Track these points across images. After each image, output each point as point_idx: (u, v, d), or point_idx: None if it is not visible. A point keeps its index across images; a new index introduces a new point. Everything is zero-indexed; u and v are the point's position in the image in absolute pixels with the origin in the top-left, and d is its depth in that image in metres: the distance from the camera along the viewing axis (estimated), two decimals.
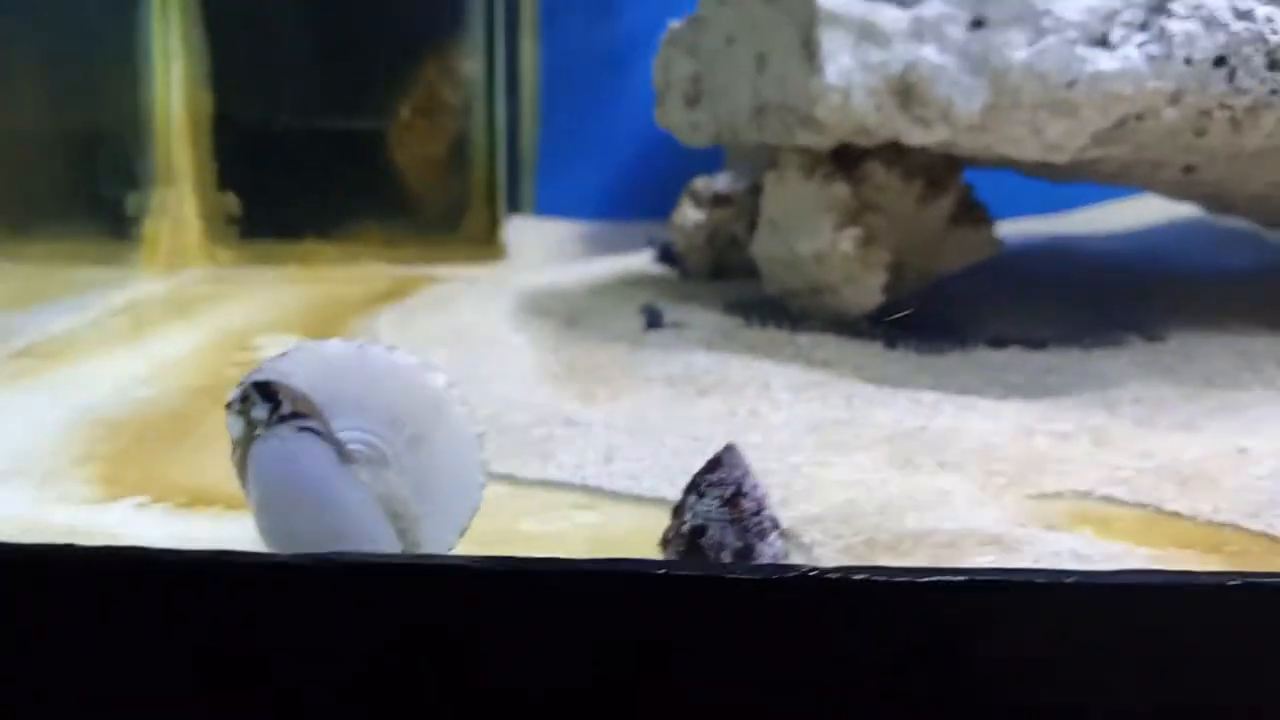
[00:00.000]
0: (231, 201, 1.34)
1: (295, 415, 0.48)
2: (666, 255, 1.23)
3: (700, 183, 1.21)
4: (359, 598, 0.45)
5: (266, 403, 0.48)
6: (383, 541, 0.49)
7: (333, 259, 1.36)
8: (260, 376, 0.49)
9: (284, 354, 0.50)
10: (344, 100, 1.35)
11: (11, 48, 1.10)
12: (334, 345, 0.50)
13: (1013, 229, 1.39)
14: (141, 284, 1.21)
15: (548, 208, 1.54)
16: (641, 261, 1.27)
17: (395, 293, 1.20)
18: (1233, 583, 0.46)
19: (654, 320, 0.95)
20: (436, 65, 1.35)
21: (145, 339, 0.99)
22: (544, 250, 1.43)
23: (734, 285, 1.11)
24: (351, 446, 0.49)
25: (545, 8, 1.51)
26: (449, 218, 1.38)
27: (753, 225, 1.03)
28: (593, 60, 1.51)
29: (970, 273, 1.01)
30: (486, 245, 1.38)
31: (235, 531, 0.58)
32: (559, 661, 0.45)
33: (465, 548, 0.53)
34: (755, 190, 1.12)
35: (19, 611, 0.46)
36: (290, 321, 1.07)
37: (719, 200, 1.17)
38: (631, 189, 1.52)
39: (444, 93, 1.35)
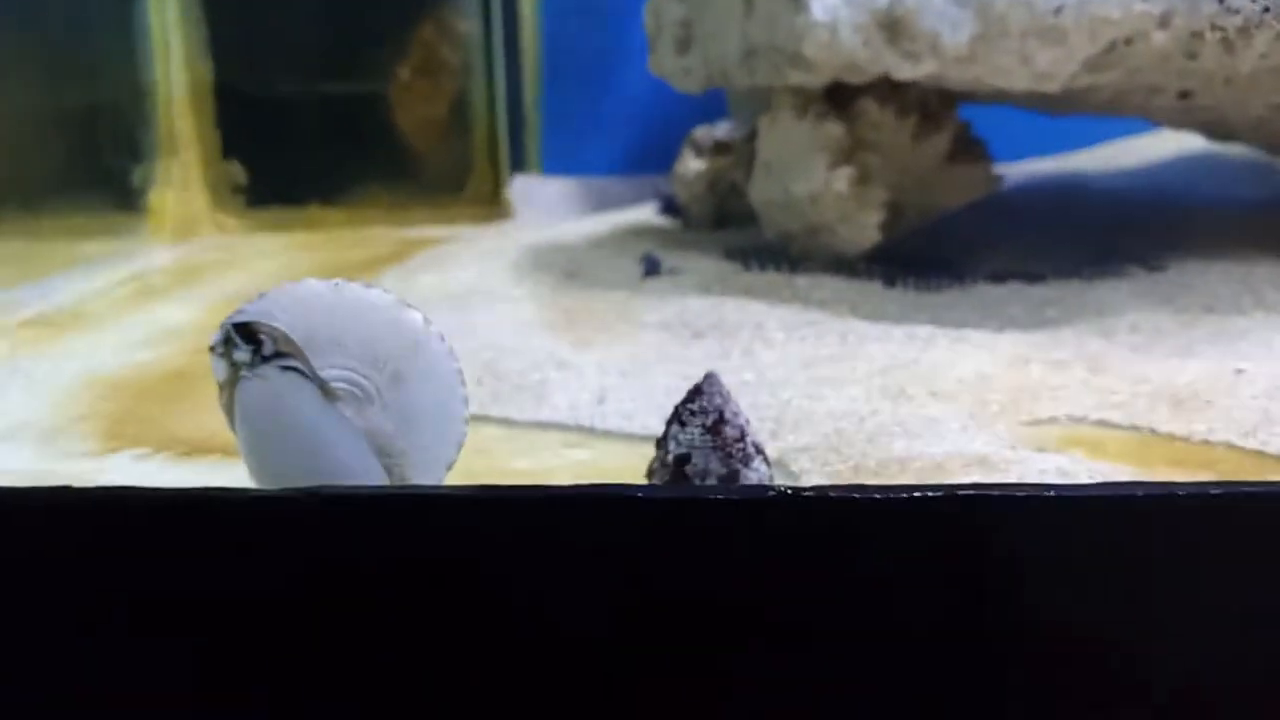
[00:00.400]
0: (236, 170, 1.35)
1: (278, 355, 0.49)
2: (669, 206, 1.23)
3: (701, 131, 1.21)
4: (349, 530, 0.46)
5: (248, 344, 0.49)
6: (372, 477, 0.50)
7: (338, 224, 1.36)
8: (241, 318, 0.49)
9: (262, 295, 0.50)
10: (344, 64, 1.35)
11: (12, 25, 1.10)
12: (311, 284, 0.50)
13: (1017, 169, 1.38)
14: (149, 254, 1.23)
15: (553, 166, 1.54)
16: (645, 214, 1.27)
17: (398, 255, 1.21)
18: (1214, 491, 0.46)
19: (652, 268, 0.95)
20: (434, 25, 1.35)
21: (150, 306, 1.00)
22: (550, 208, 1.43)
23: (736, 233, 1.11)
24: (334, 384, 0.50)
25: None
26: (453, 179, 1.38)
27: (751, 171, 1.03)
28: (592, 15, 1.50)
29: (970, 210, 1.01)
30: (492, 205, 1.38)
31: (233, 477, 0.58)
32: (548, 588, 0.46)
33: (456, 482, 0.53)
34: (754, 136, 1.11)
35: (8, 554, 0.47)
36: None
37: (719, 148, 1.17)
38: (636, 142, 1.52)
39: (443, 53, 1.35)
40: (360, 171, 1.37)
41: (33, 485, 0.47)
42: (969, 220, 1.02)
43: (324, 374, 0.49)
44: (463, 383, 0.53)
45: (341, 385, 0.50)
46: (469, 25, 1.34)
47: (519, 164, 1.50)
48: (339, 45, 1.35)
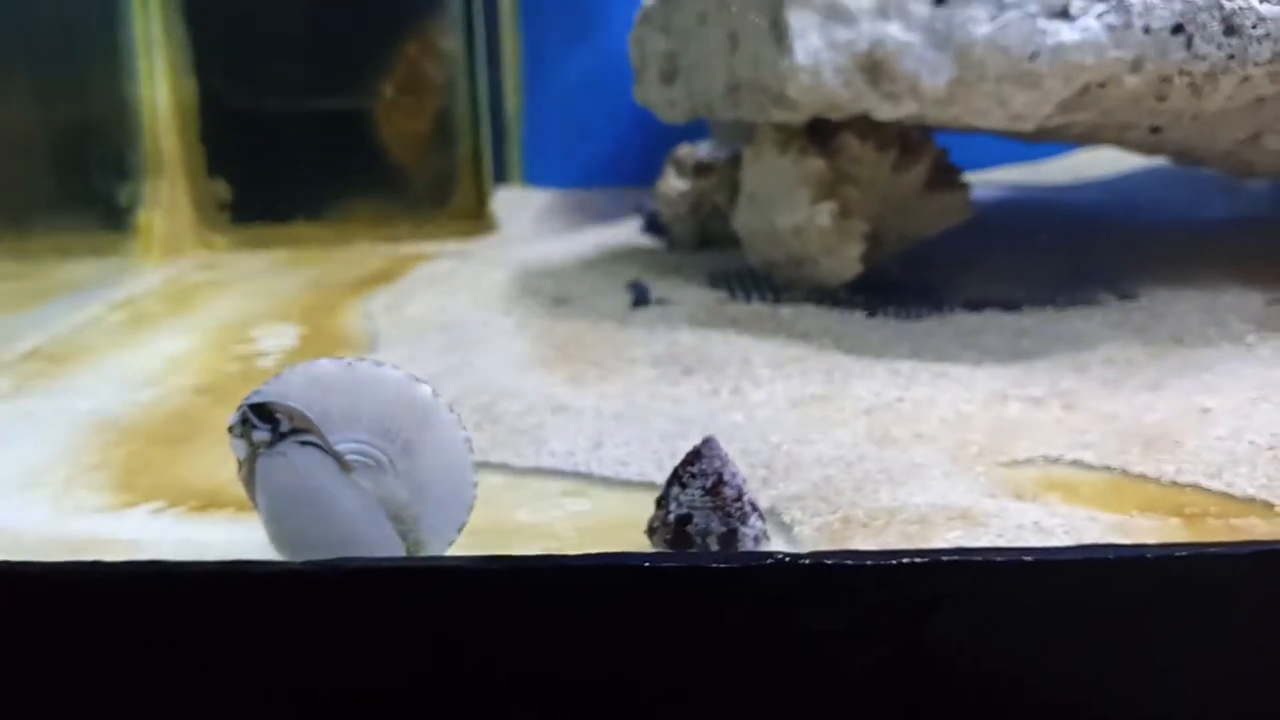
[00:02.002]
0: (222, 187, 1.36)
1: (294, 431, 0.51)
2: (652, 225, 1.26)
3: (683, 150, 1.23)
4: (368, 600, 0.48)
5: (265, 423, 0.51)
6: (386, 543, 0.52)
7: (325, 240, 1.38)
8: (257, 399, 0.51)
9: (278, 375, 0.52)
10: (328, 81, 1.36)
11: (3, 46, 1.11)
12: (324, 364, 0.53)
13: (987, 179, 1.41)
14: (138, 276, 1.24)
15: (534, 177, 1.56)
16: (629, 231, 1.29)
17: (387, 273, 1.23)
18: (1180, 553, 0.49)
19: (641, 298, 0.97)
20: (418, 42, 1.36)
21: (145, 336, 1.02)
22: (533, 220, 1.45)
23: (719, 255, 1.13)
24: (349, 457, 0.52)
25: None
26: (438, 193, 1.40)
27: (734, 195, 1.05)
28: (573, 29, 1.52)
29: (947, 233, 1.04)
30: (476, 219, 1.40)
31: (247, 534, 0.61)
32: (556, 653, 0.49)
33: (464, 540, 0.56)
34: (736, 160, 1.14)
35: (45, 627, 0.49)
36: (285, 309, 1.10)
37: (701, 169, 1.19)
38: (616, 155, 1.54)
39: (426, 69, 1.37)
40: (345, 187, 1.39)
41: (69, 560, 0.50)
42: (945, 242, 1.05)
43: (339, 447, 0.52)
44: (471, 450, 0.55)
45: (356, 457, 0.52)
46: (452, 42, 1.36)
47: (501, 176, 1.52)
48: (323, 62, 1.36)
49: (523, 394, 0.77)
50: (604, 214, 1.43)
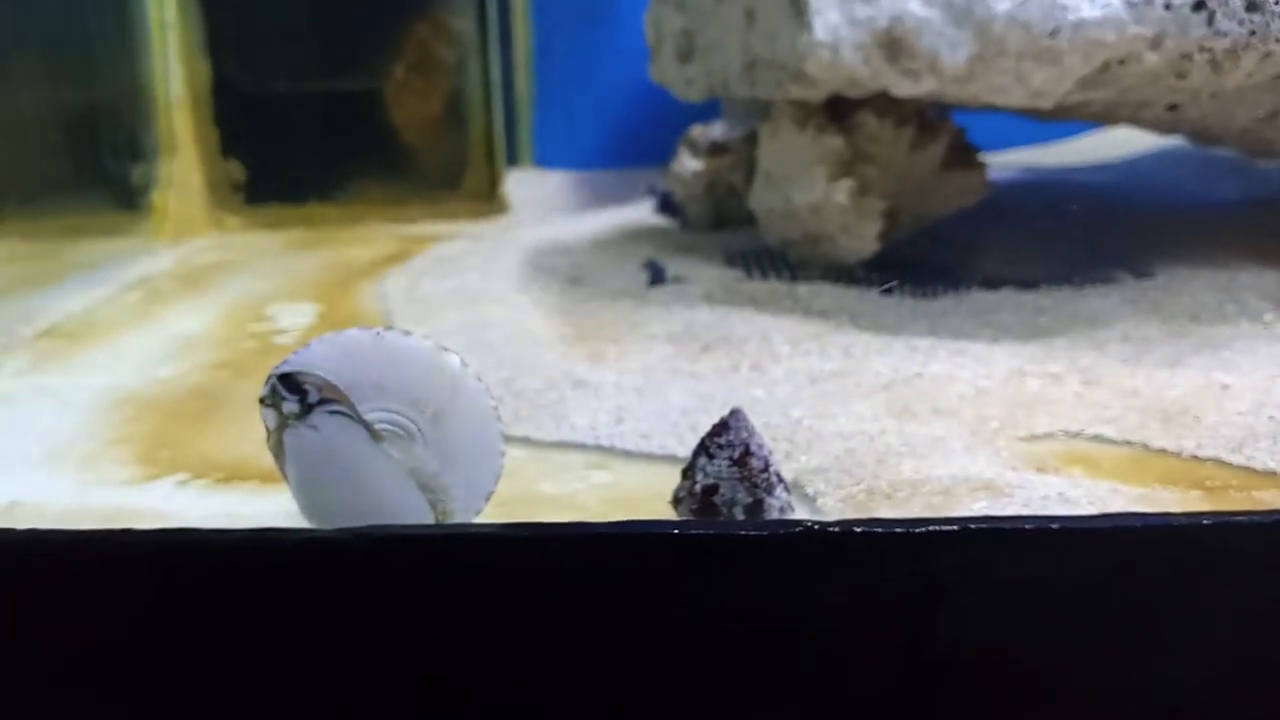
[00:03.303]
0: (235, 168, 1.36)
1: (323, 401, 0.51)
2: (666, 205, 1.26)
3: (697, 131, 1.23)
4: (399, 568, 0.49)
5: (294, 394, 0.51)
6: (416, 511, 0.53)
7: (337, 221, 1.38)
8: (286, 369, 0.52)
9: (307, 345, 0.53)
10: (340, 62, 1.36)
11: (11, 26, 1.11)
12: (353, 334, 0.53)
13: (1004, 161, 1.41)
14: (152, 255, 1.24)
15: (546, 159, 1.56)
16: (642, 212, 1.29)
17: (400, 254, 1.23)
18: (1206, 521, 0.49)
19: (657, 276, 0.97)
20: (429, 23, 1.36)
21: (161, 314, 1.02)
22: (545, 202, 1.45)
23: (734, 234, 1.13)
24: (379, 426, 0.52)
25: None
26: (450, 174, 1.40)
27: (750, 174, 1.05)
28: (584, 9, 1.52)
29: (963, 212, 1.04)
30: (488, 200, 1.40)
31: (272, 505, 0.61)
32: (583, 620, 0.49)
33: (491, 510, 0.56)
34: (752, 139, 1.14)
35: (76, 595, 0.49)
36: (300, 289, 1.10)
37: (716, 149, 1.19)
38: (628, 136, 1.54)
39: (438, 50, 1.36)
40: (358, 168, 1.39)
41: (100, 527, 0.50)
42: (962, 222, 1.05)
43: (369, 416, 0.52)
44: (498, 418, 0.55)
45: (386, 427, 0.53)
46: (464, 22, 1.35)
47: (512, 157, 1.51)
48: (336, 43, 1.36)
49: (542, 370, 0.78)
50: (616, 195, 1.43)
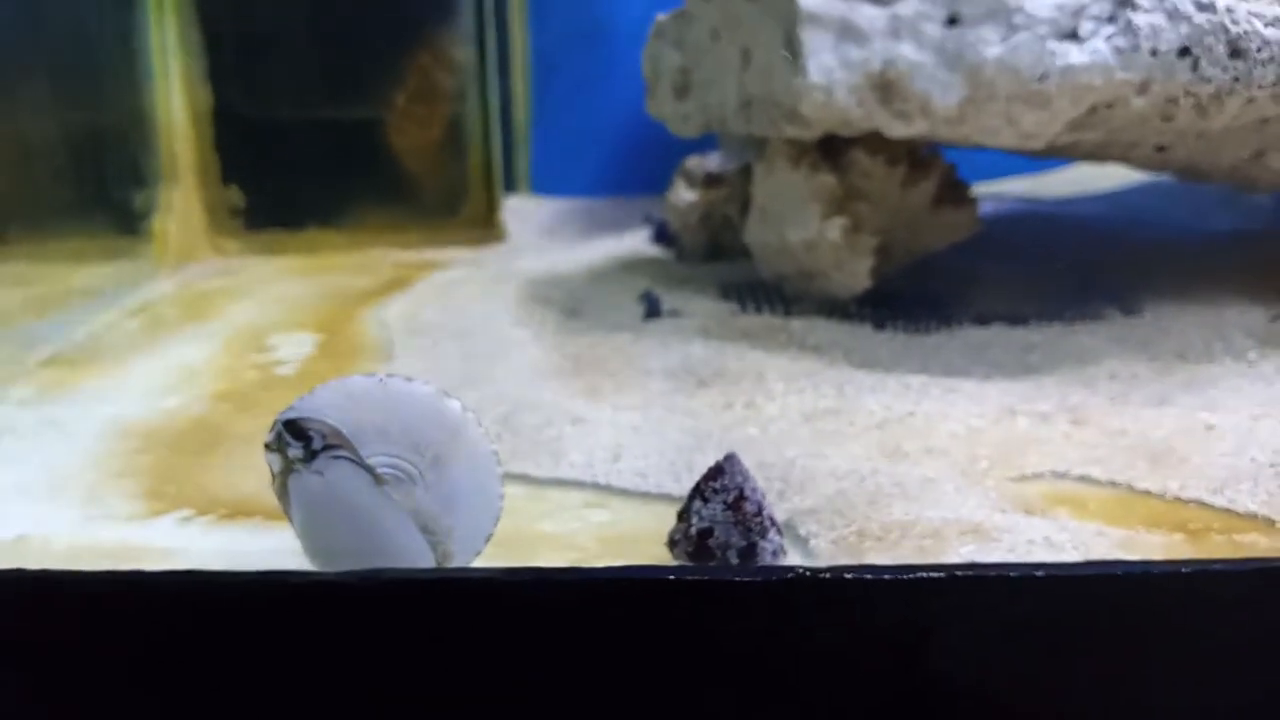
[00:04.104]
0: (235, 194, 1.38)
1: (328, 447, 0.53)
2: (662, 235, 1.27)
3: (693, 162, 1.25)
4: (402, 609, 0.50)
5: (299, 440, 0.53)
6: (418, 554, 0.54)
7: (336, 246, 1.40)
8: (291, 415, 0.53)
9: (312, 392, 0.54)
10: (341, 90, 1.38)
11: (17, 54, 1.12)
12: (357, 380, 0.54)
13: (996, 191, 1.43)
14: (153, 281, 1.25)
15: (542, 186, 1.57)
16: (638, 241, 1.31)
17: (400, 281, 1.25)
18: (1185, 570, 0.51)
19: (653, 309, 0.99)
20: (430, 52, 1.38)
21: (164, 342, 1.03)
22: (541, 229, 1.47)
23: (729, 265, 1.15)
24: (381, 470, 0.54)
25: None
26: (448, 202, 1.42)
27: (745, 207, 1.07)
28: (581, 40, 1.53)
29: (955, 247, 1.05)
30: (486, 227, 1.41)
31: (276, 542, 0.62)
32: (581, 661, 0.50)
33: (491, 550, 0.57)
34: (746, 171, 1.15)
35: (80, 636, 0.50)
36: (300, 317, 1.11)
37: (711, 181, 1.21)
38: (624, 164, 1.56)
39: (438, 79, 1.38)
40: (357, 195, 1.40)
41: (111, 569, 0.51)
42: (954, 256, 1.06)
43: (371, 460, 0.53)
44: (498, 462, 0.57)
45: (388, 470, 0.54)
46: (464, 52, 1.37)
47: (510, 184, 1.53)
48: (337, 71, 1.37)
49: (541, 405, 0.79)
50: (612, 223, 1.45)
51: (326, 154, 1.39)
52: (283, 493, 0.54)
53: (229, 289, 1.24)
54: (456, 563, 0.56)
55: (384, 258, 1.36)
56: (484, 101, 1.39)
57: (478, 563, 0.57)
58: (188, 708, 0.50)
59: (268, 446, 0.53)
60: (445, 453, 0.55)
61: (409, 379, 0.55)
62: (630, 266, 1.19)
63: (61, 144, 1.26)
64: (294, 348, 1.01)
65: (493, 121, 1.40)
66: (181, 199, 1.34)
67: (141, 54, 1.30)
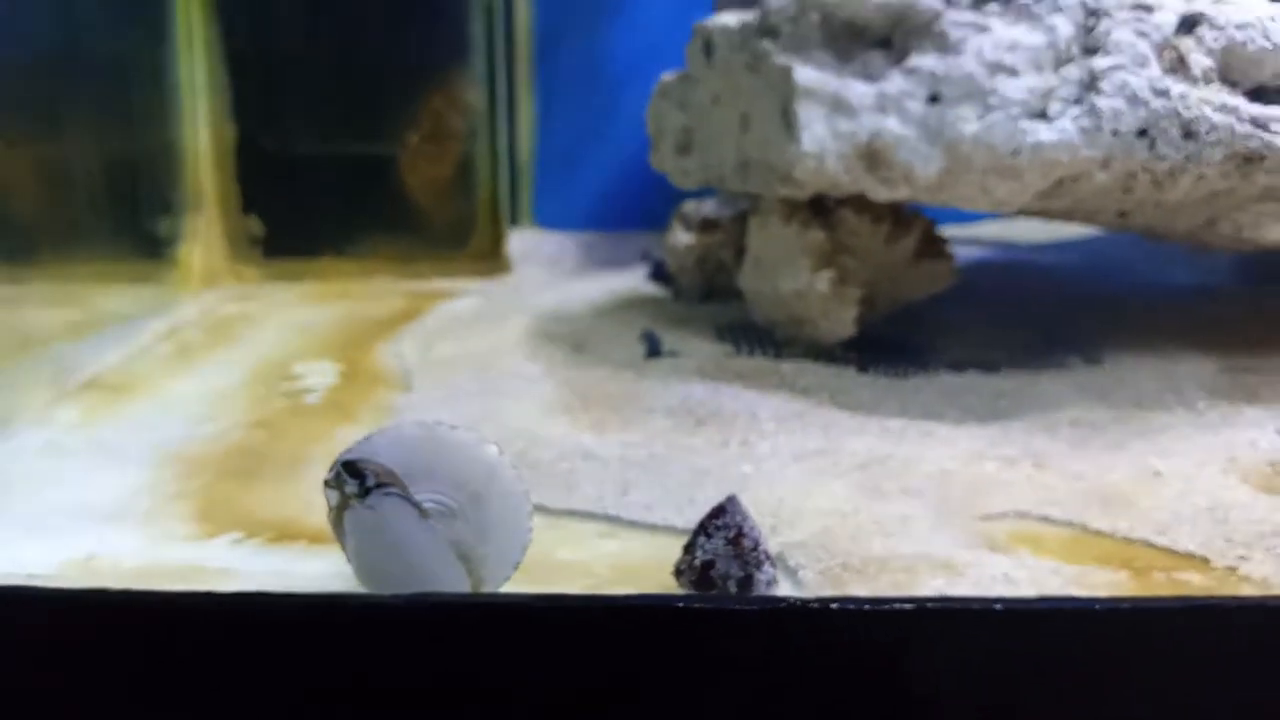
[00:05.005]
0: (254, 223, 1.45)
1: (380, 485, 0.60)
2: (659, 274, 1.35)
3: (689, 206, 1.33)
4: (443, 628, 0.57)
5: (355, 478, 0.60)
6: (455, 579, 0.62)
7: (349, 275, 1.47)
8: (350, 456, 0.61)
9: (369, 436, 0.62)
10: (359, 128, 1.46)
11: (59, 86, 1.19)
12: (409, 427, 0.62)
13: (974, 234, 1.52)
14: (178, 306, 1.32)
15: (545, 220, 1.65)
16: (636, 279, 1.39)
17: (411, 311, 1.32)
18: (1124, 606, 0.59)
19: (654, 349, 1.07)
20: (443, 94, 1.46)
21: (195, 368, 1.10)
22: (544, 261, 1.55)
23: (723, 307, 1.23)
24: (427, 505, 0.61)
25: (540, 35, 1.62)
26: (457, 235, 1.49)
27: (739, 252, 1.15)
28: (584, 83, 1.62)
29: (933, 296, 1.14)
30: (492, 259, 1.49)
31: (323, 565, 0.70)
32: (599, 678, 0.58)
33: (516, 575, 0.65)
34: (741, 218, 1.24)
35: (158, 653, 0.57)
36: (321, 346, 1.18)
37: (707, 225, 1.29)
38: (623, 201, 1.64)
39: (450, 120, 1.46)
40: (370, 227, 1.48)
41: (183, 590, 0.58)
42: (931, 305, 1.15)
43: (418, 497, 0.61)
44: (529, 500, 0.64)
45: (432, 505, 0.62)
46: (475, 94, 1.45)
47: (514, 218, 1.61)
48: (355, 111, 1.45)
49: (554, 442, 0.87)
50: (611, 258, 1.53)
51: (342, 187, 1.47)
52: (338, 523, 0.62)
53: (250, 315, 1.31)
54: (488, 587, 0.63)
55: (395, 286, 1.44)
56: (493, 141, 1.47)
57: (506, 588, 0.64)
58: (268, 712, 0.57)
59: (327, 483, 0.61)
60: (482, 490, 0.63)
61: (453, 426, 0.63)
62: (630, 304, 1.27)
63: (95, 171, 1.33)
64: (318, 377, 1.08)
65: (501, 161, 1.48)
66: (205, 227, 1.42)
67: (171, 89, 1.38)
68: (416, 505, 0.61)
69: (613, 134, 1.61)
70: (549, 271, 1.50)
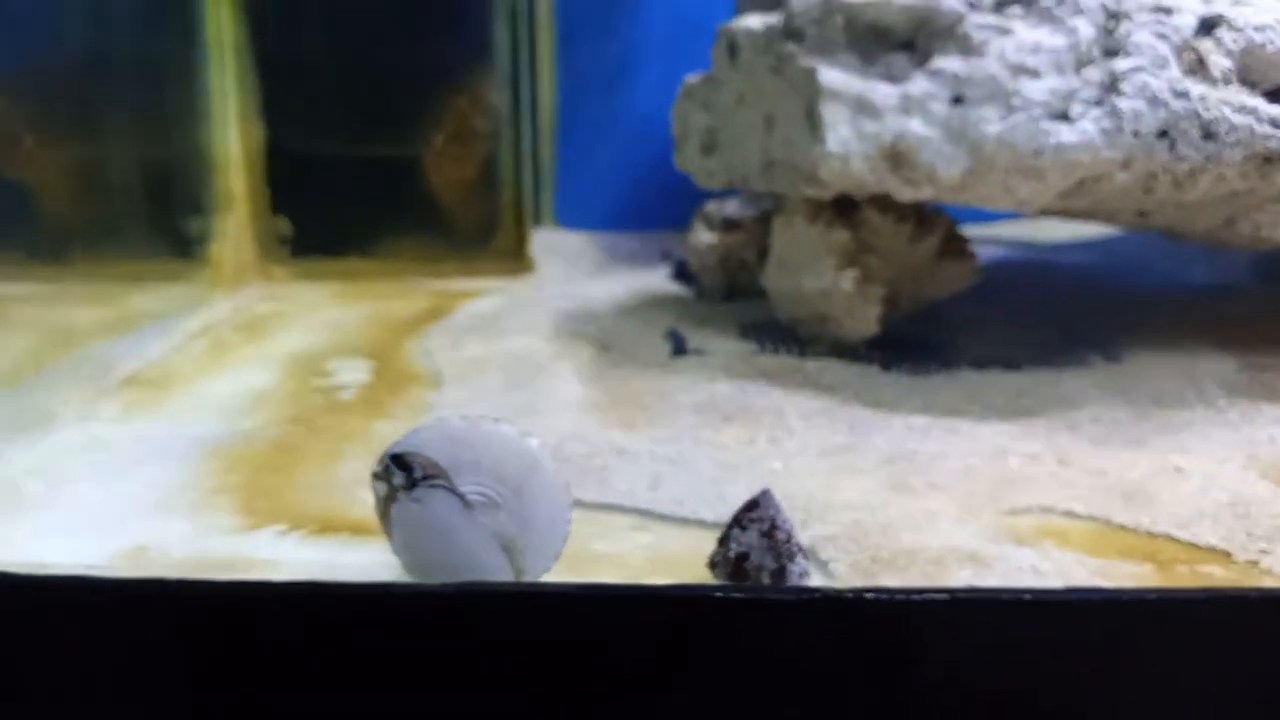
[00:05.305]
0: (283, 224, 1.48)
1: (427, 477, 0.62)
2: (682, 273, 1.37)
3: (712, 206, 1.34)
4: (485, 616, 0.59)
5: (403, 471, 0.62)
6: (499, 569, 0.64)
7: (375, 274, 1.49)
8: (398, 449, 0.63)
9: (416, 430, 0.64)
10: (385, 130, 1.48)
11: (95, 88, 1.22)
12: (454, 422, 0.64)
13: (996, 234, 1.53)
14: (209, 304, 1.35)
15: (566, 220, 1.68)
16: (659, 278, 1.41)
17: (438, 310, 1.34)
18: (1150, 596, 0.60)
19: (679, 347, 1.09)
20: (467, 96, 1.48)
21: (230, 365, 1.12)
22: (566, 261, 1.57)
23: (746, 306, 1.25)
24: (472, 497, 0.63)
25: (561, 35, 1.64)
26: (481, 235, 1.51)
27: (761, 252, 1.17)
28: (604, 84, 1.64)
29: (955, 294, 1.15)
30: (516, 259, 1.51)
31: (366, 556, 0.72)
32: (636, 664, 0.60)
33: (556, 566, 0.67)
34: (764, 218, 1.25)
35: (219, 641, 0.60)
36: (351, 343, 1.21)
37: (729, 225, 1.30)
38: (644, 201, 1.66)
39: (475, 121, 1.48)
40: (396, 227, 1.50)
41: (231, 579, 0.60)
42: (954, 303, 1.16)
43: (463, 489, 0.63)
44: (569, 493, 0.66)
45: (476, 497, 0.63)
46: (499, 96, 1.47)
47: (536, 217, 1.63)
48: (381, 113, 1.47)
49: (586, 437, 0.89)
50: (633, 257, 1.55)
51: (368, 188, 1.49)
52: (385, 514, 0.64)
53: (280, 313, 1.33)
54: (529, 577, 0.65)
55: (420, 286, 1.46)
56: (516, 143, 1.49)
57: (547, 577, 0.66)
58: (318, 700, 0.59)
59: (375, 475, 0.63)
60: (524, 483, 0.64)
61: (496, 420, 0.65)
62: (653, 303, 1.29)
63: (128, 172, 1.36)
64: (351, 374, 1.10)
65: (524, 161, 1.50)
66: (235, 227, 1.44)
67: (201, 92, 1.40)
68: (461, 497, 0.63)
69: (633, 134, 1.63)
70: (571, 271, 1.52)
